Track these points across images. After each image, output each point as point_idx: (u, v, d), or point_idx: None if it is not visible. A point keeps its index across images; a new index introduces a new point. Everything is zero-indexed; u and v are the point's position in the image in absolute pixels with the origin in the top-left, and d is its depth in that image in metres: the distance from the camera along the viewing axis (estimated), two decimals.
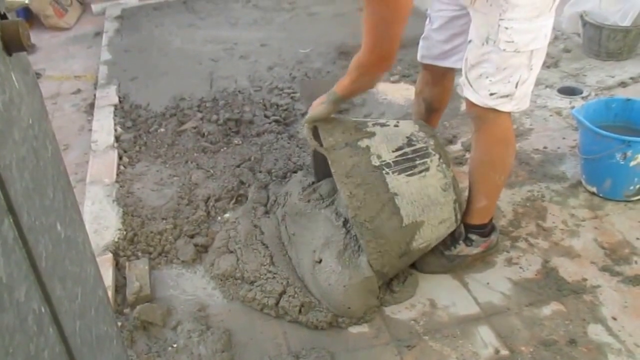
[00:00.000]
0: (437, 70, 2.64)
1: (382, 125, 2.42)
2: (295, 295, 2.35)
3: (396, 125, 2.43)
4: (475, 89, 2.19)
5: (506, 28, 2.02)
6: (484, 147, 2.34)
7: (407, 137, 2.35)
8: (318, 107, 2.32)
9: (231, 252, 2.60)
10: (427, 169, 2.29)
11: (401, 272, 2.45)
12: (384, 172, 2.26)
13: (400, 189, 2.25)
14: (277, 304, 2.35)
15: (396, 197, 2.24)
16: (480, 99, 2.18)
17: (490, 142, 2.32)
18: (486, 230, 2.50)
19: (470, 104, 2.25)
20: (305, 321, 2.29)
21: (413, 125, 2.44)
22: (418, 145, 2.33)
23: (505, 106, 2.18)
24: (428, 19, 2.55)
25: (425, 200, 2.27)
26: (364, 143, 2.32)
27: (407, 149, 2.32)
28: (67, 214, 1.19)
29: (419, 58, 2.67)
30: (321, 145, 2.35)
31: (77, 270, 1.22)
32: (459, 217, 2.37)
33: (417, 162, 2.29)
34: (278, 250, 2.58)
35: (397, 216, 2.24)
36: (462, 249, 2.48)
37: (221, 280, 2.51)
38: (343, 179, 2.25)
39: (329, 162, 2.31)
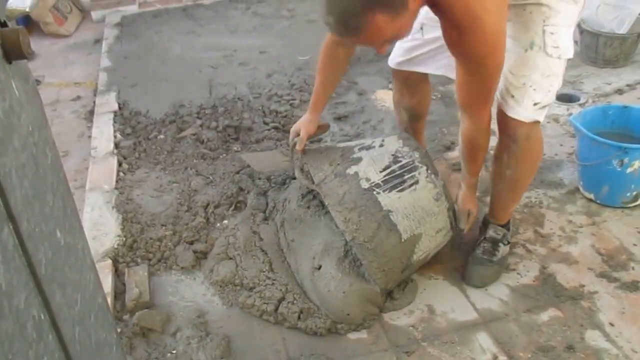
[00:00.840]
0: (410, 78, 2.65)
1: (368, 148, 2.47)
2: (295, 302, 2.36)
3: (381, 145, 2.47)
4: (517, 100, 2.15)
5: (552, 33, 2.04)
6: (525, 164, 2.33)
7: (393, 155, 2.40)
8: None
9: (230, 258, 2.61)
10: (416, 182, 2.33)
11: (406, 279, 2.46)
12: (374, 192, 2.30)
13: (394, 206, 2.28)
14: (276, 310, 2.35)
15: (391, 214, 2.27)
16: (526, 112, 2.16)
17: (533, 157, 2.35)
18: (509, 224, 2.61)
19: (510, 124, 2.21)
20: (304, 327, 2.29)
21: (397, 141, 2.47)
22: (404, 161, 2.37)
23: (542, 116, 2.20)
24: (418, 27, 2.42)
25: (419, 213, 2.30)
26: (352, 170, 2.37)
27: (394, 167, 2.36)
28: (67, 221, 1.20)
29: (393, 64, 2.63)
30: (313, 182, 2.44)
31: (77, 276, 1.23)
32: (453, 223, 2.43)
33: (406, 176, 2.33)
34: (277, 256, 2.58)
35: (395, 232, 2.26)
36: (503, 249, 2.52)
37: (220, 286, 2.51)
38: (337, 208, 2.31)
39: (322, 197, 2.39)
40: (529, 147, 2.26)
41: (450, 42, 1.91)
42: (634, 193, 2.76)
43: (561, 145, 3.33)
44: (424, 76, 2.66)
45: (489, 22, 1.80)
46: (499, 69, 1.94)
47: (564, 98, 3.78)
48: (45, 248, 1.06)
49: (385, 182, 2.31)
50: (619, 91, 3.85)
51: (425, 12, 2.01)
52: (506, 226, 2.57)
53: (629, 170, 2.67)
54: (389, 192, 2.29)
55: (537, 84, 2.11)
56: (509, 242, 2.56)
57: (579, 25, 4.14)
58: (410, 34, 2.40)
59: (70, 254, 1.20)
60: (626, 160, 2.65)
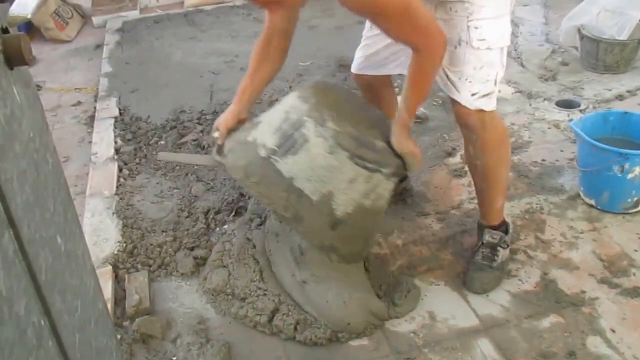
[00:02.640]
0: (373, 85, 2.67)
1: (270, 109, 2.41)
2: (290, 313, 2.33)
3: (279, 102, 2.38)
4: (459, 91, 2.24)
5: (476, 27, 2.12)
6: (489, 151, 2.36)
7: (285, 112, 2.25)
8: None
9: (224, 266, 2.58)
10: (306, 140, 2.15)
11: (404, 285, 2.45)
12: (272, 160, 2.18)
13: (294, 171, 2.16)
14: (269, 321, 2.33)
15: (294, 181, 2.16)
16: (468, 102, 2.24)
17: (494, 143, 2.35)
18: (505, 226, 2.58)
19: (464, 113, 2.28)
20: (303, 339, 2.26)
21: (293, 94, 2.32)
22: (292, 117, 2.21)
23: (488, 105, 2.26)
24: (369, 26, 2.54)
25: (320, 171, 2.16)
26: (250, 136, 2.27)
27: (284, 126, 2.21)
28: (67, 227, 1.20)
29: (355, 69, 2.68)
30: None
31: (77, 283, 1.23)
32: (369, 165, 2.17)
33: (295, 135, 2.17)
34: (267, 265, 2.54)
35: (304, 197, 2.17)
36: (502, 254, 2.51)
37: (212, 295, 2.49)
38: (245, 182, 2.25)
39: (230, 173, 2.34)
40: (487, 134, 2.31)
41: (352, 8, 1.99)
42: (635, 199, 2.76)
43: (562, 151, 3.33)
44: (387, 82, 2.72)
45: None
46: (404, 6, 1.94)
47: (565, 104, 3.80)
48: (45, 254, 1.06)
49: (279, 145, 2.17)
50: (620, 97, 3.85)
51: None
52: (502, 229, 2.55)
53: (629, 176, 2.67)
54: (284, 156, 2.16)
55: (472, 76, 2.20)
56: (508, 246, 2.55)
57: (579, 31, 4.16)
58: (366, 30, 2.56)
59: (71, 260, 1.20)
60: (627, 166, 2.65)
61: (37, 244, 1.02)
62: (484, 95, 2.23)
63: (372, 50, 2.54)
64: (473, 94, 2.22)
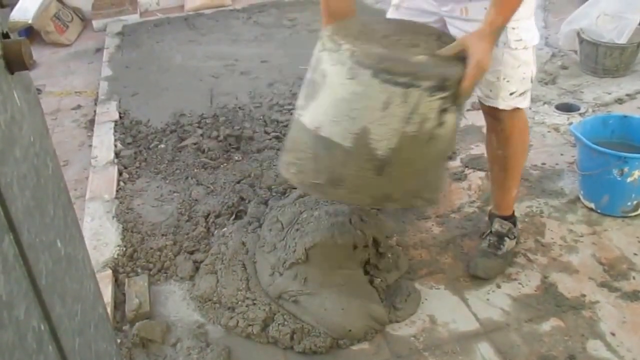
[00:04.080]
0: None
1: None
2: (285, 323, 2.30)
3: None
4: (495, 94, 2.26)
5: (513, 28, 2.13)
6: (514, 141, 2.41)
7: (311, 66, 2.00)
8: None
9: (214, 272, 2.57)
10: (324, 75, 1.88)
11: (404, 289, 2.45)
12: (297, 115, 1.97)
13: (317, 119, 1.89)
14: (262, 331, 2.30)
15: (319, 130, 1.88)
16: (505, 103, 2.27)
17: (519, 134, 2.42)
18: (514, 218, 2.64)
19: (493, 109, 2.31)
20: (302, 349, 2.24)
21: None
22: (312, 62, 1.98)
23: (524, 102, 2.31)
24: None
25: (344, 106, 1.85)
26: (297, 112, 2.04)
27: (308, 75, 1.98)
28: (68, 231, 1.20)
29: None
30: None
31: (77, 287, 1.23)
32: (400, 80, 1.80)
33: (315, 76, 1.91)
34: (254, 273, 2.53)
35: (334, 147, 1.87)
36: (509, 244, 2.57)
37: (200, 302, 2.47)
38: (287, 156, 2.06)
39: None
40: (513, 124, 2.36)
41: None
42: (635, 202, 2.76)
43: (562, 154, 3.33)
44: None
45: None
46: None
47: (564, 107, 3.80)
48: (45, 258, 1.06)
49: (305, 97, 1.94)
50: (619, 100, 3.86)
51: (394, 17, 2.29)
52: (511, 220, 2.61)
53: (629, 179, 2.67)
54: (308, 106, 1.90)
55: (510, 76, 2.22)
56: (515, 237, 2.60)
57: (578, 35, 4.17)
58: None
59: (71, 264, 1.20)
60: (626, 169, 2.65)
61: (37, 249, 1.02)
62: (521, 94, 2.27)
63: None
64: (511, 93, 2.25)
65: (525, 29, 2.17)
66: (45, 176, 1.11)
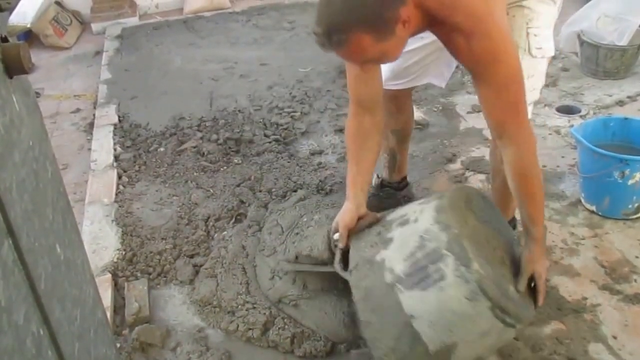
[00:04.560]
0: (397, 97, 2.61)
1: (404, 223, 1.96)
2: (285, 327, 2.29)
3: (415, 220, 1.93)
4: None
5: (535, 35, 2.09)
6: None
7: (420, 236, 1.86)
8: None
9: (214, 276, 2.56)
10: (442, 278, 1.79)
11: None
12: (396, 289, 1.83)
13: (416, 309, 1.81)
14: (262, 334, 2.29)
15: (413, 320, 1.81)
16: None
17: None
18: (514, 222, 2.62)
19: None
20: (302, 353, 2.23)
21: (430, 215, 1.90)
22: (429, 246, 1.83)
23: (530, 113, 2.22)
24: None
25: (449, 317, 1.80)
26: (380, 256, 1.90)
27: (419, 254, 1.84)
28: (67, 236, 1.19)
29: (383, 85, 2.49)
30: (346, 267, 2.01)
31: (77, 291, 1.22)
32: (508, 320, 1.81)
33: (430, 269, 1.81)
34: (254, 277, 2.52)
35: (419, 343, 1.82)
36: None
37: (200, 306, 2.46)
38: (360, 305, 1.90)
39: (350, 285, 1.94)
40: None
41: (458, 51, 1.86)
42: (636, 205, 2.75)
43: (562, 157, 3.33)
44: (409, 94, 2.69)
45: (494, 23, 1.79)
46: (516, 73, 1.84)
47: (565, 110, 3.80)
48: (44, 263, 1.06)
49: (408, 275, 1.82)
50: (620, 102, 3.86)
51: None
52: (512, 223, 2.58)
53: (630, 182, 2.67)
54: (411, 289, 1.81)
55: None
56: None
57: (579, 37, 4.16)
58: None
59: (70, 269, 1.19)
60: (627, 172, 2.64)
61: (36, 253, 1.02)
62: (529, 104, 2.20)
63: (401, 67, 2.43)
64: None
65: (545, 37, 2.13)
66: (44, 180, 1.11)
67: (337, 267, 2.05)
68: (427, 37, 2.30)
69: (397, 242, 1.90)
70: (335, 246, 2.11)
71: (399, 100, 2.64)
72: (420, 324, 1.79)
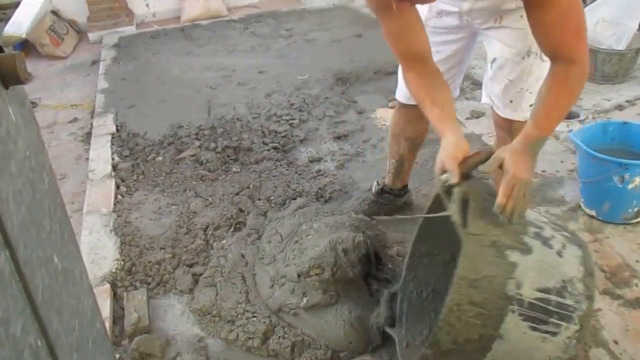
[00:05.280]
0: (418, 108, 2.60)
1: (545, 242, 1.82)
2: (285, 335, 2.28)
3: (559, 254, 1.81)
4: (515, 106, 2.24)
5: None
6: None
7: (563, 282, 1.77)
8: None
9: (214, 285, 2.55)
10: (554, 334, 1.76)
11: None
12: (510, 307, 1.72)
13: (509, 336, 1.74)
14: (263, 344, 2.28)
15: (498, 340, 1.75)
16: (522, 113, 2.25)
17: None
18: None
19: (507, 121, 2.29)
20: None
21: (579, 266, 1.82)
22: (567, 302, 1.76)
23: None
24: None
25: (523, 358, 1.79)
26: (513, 256, 1.73)
27: (554, 298, 1.75)
28: (64, 246, 1.18)
29: (405, 100, 2.57)
30: (463, 225, 1.75)
31: (75, 302, 1.21)
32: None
33: (552, 320, 1.74)
34: (254, 285, 2.52)
35: (482, 356, 1.78)
36: None
37: (199, 315, 2.45)
38: (462, 285, 1.70)
39: (461, 252, 1.71)
40: None
41: None
42: (636, 209, 2.75)
43: (562, 162, 3.32)
44: None
45: None
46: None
47: None
48: (42, 274, 1.05)
49: (530, 306, 1.72)
50: (619, 107, 3.86)
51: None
52: None
53: (630, 186, 2.66)
54: (523, 319, 1.72)
55: (533, 87, 2.19)
56: None
57: None
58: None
59: (68, 280, 1.18)
60: (627, 176, 2.64)
61: (33, 264, 1.01)
62: None
63: None
64: (531, 105, 2.18)
65: None
66: (41, 191, 1.10)
67: (455, 215, 1.77)
68: (447, 50, 2.35)
69: (535, 258, 1.76)
70: (448, 188, 1.83)
71: (417, 116, 2.62)
72: (500, 346, 1.74)
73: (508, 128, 2.32)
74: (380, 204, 2.95)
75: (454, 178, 1.80)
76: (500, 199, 1.77)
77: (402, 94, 2.60)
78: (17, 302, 0.94)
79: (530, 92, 2.21)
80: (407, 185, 3.00)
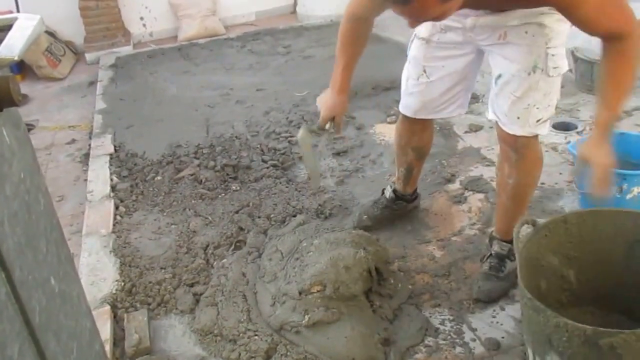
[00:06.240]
0: (425, 124, 2.70)
1: None
2: (288, 353, 2.25)
3: None
4: (522, 122, 2.22)
5: (553, 55, 2.10)
6: (526, 171, 2.37)
7: None
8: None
9: (215, 304, 2.53)
10: None
11: (408, 315, 2.43)
12: None
13: None
14: None
15: None
16: (529, 129, 2.23)
17: (532, 164, 2.37)
18: None
19: (513, 137, 2.28)
20: None
21: None
22: None
23: (544, 129, 2.26)
24: (421, 71, 2.47)
25: None
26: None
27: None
28: (61, 268, 1.18)
29: (410, 114, 2.62)
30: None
31: (72, 324, 1.20)
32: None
33: None
34: (255, 304, 2.50)
35: None
36: (510, 265, 2.53)
37: (201, 335, 2.42)
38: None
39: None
40: (528, 155, 2.31)
41: None
42: None
43: (560, 173, 3.32)
44: (432, 121, 2.78)
45: None
46: None
47: (562, 126, 3.80)
48: (39, 296, 1.04)
49: None
50: None
51: (424, 52, 2.38)
52: (512, 242, 2.54)
53: (628, 196, 2.66)
54: None
55: (540, 103, 2.18)
56: (514, 258, 2.54)
57: (573, 54, 4.18)
58: (415, 79, 2.49)
59: (66, 301, 1.18)
60: (625, 186, 2.65)
61: (30, 286, 1.00)
62: (545, 121, 2.24)
63: (429, 96, 2.51)
64: (538, 120, 2.21)
65: (562, 56, 2.14)
66: (37, 213, 1.09)
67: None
68: (451, 66, 2.38)
69: None
70: (324, 131, 2.45)
71: (425, 122, 2.69)
72: None
73: (513, 143, 2.30)
74: (394, 209, 2.99)
75: (338, 131, 2.48)
76: (595, 189, 1.97)
77: (406, 107, 2.63)
78: (13, 324, 0.93)
79: (538, 108, 2.19)
80: (416, 189, 3.03)
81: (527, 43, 2.10)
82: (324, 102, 2.52)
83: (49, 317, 1.07)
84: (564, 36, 2.12)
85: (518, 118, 2.22)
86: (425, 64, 2.45)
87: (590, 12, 1.82)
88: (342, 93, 2.49)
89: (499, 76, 2.23)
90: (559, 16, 2.00)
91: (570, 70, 4.35)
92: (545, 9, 2.03)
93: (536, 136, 2.28)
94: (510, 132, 2.27)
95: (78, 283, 1.28)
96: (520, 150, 2.29)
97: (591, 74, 4.11)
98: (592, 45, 4.07)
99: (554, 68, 2.12)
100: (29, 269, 1.01)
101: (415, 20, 1.86)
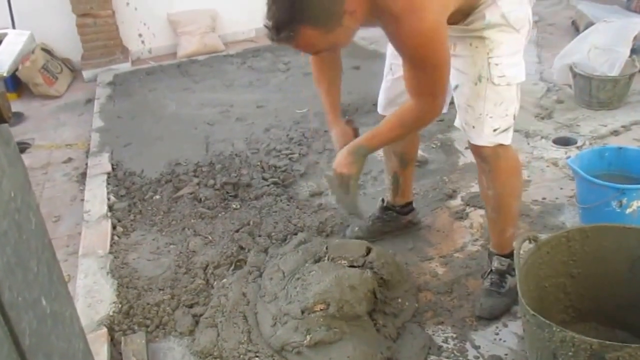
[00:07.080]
0: None
1: None
2: None
3: None
4: (478, 131, 2.27)
5: (496, 64, 2.16)
6: (501, 181, 2.39)
7: None
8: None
9: (215, 325, 2.49)
10: None
11: (411, 333, 2.42)
12: None
13: None
14: None
15: None
16: (487, 138, 2.27)
17: (507, 174, 2.39)
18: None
19: (477, 147, 2.32)
20: None
21: None
22: None
23: (507, 139, 2.30)
24: (388, 69, 2.60)
25: None
26: None
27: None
28: (53, 288, 1.15)
29: (380, 110, 2.70)
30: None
31: (65, 346, 1.17)
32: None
33: None
34: (256, 324, 2.47)
35: None
36: (511, 281, 2.52)
37: (200, 357, 2.39)
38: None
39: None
40: (500, 165, 2.35)
41: (391, 36, 2.00)
42: None
43: (561, 188, 3.31)
44: None
45: (427, 16, 1.87)
46: (441, 64, 1.98)
47: (562, 141, 3.81)
48: (29, 317, 1.01)
49: None
50: (615, 132, 3.88)
51: (391, 50, 2.46)
52: (511, 257, 2.54)
53: (628, 210, 2.67)
54: None
55: (492, 112, 2.23)
56: (514, 274, 2.52)
57: (571, 69, 4.18)
58: (385, 75, 2.61)
59: (57, 323, 1.15)
60: (625, 201, 2.65)
61: (19, 307, 0.97)
62: (504, 130, 2.27)
63: (395, 92, 2.57)
64: (495, 129, 2.25)
65: (509, 65, 2.18)
66: (27, 232, 1.07)
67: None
68: None
69: None
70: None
71: None
72: None
73: (480, 153, 2.35)
74: (384, 220, 2.99)
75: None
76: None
77: (379, 104, 2.72)
78: (2, 347, 0.91)
79: (491, 117, 2.23)
80: (411, 203, 3.02)
81: (471, 54, 2.19)
82: (333, 135, 2.53)
83: (39, 338, 1.04)
84: (510, 46, 2.17)
85: (473, 127, 2.28)
86: (392, 62, 2.55)
87: (417, 71, 2.02)
88: (336, 118, 2.52)
89: (456, 87, 2.30)
90: (500, 27, 2.10)
91: (569, 86, 4.37)
92: (487, 22, 2.11)
93: (502, 146, 2.31)
94: (472, 142, 2.33)
95: (71, 303, 1.25)
96: (489, 161, 2.34)
97: (589, 90, 4.12)
98: (589, 61, 4.09)
99: (500, 77, 2.17)
100: (19, 289, 0.99)
101: (311, 52, 2.12)
